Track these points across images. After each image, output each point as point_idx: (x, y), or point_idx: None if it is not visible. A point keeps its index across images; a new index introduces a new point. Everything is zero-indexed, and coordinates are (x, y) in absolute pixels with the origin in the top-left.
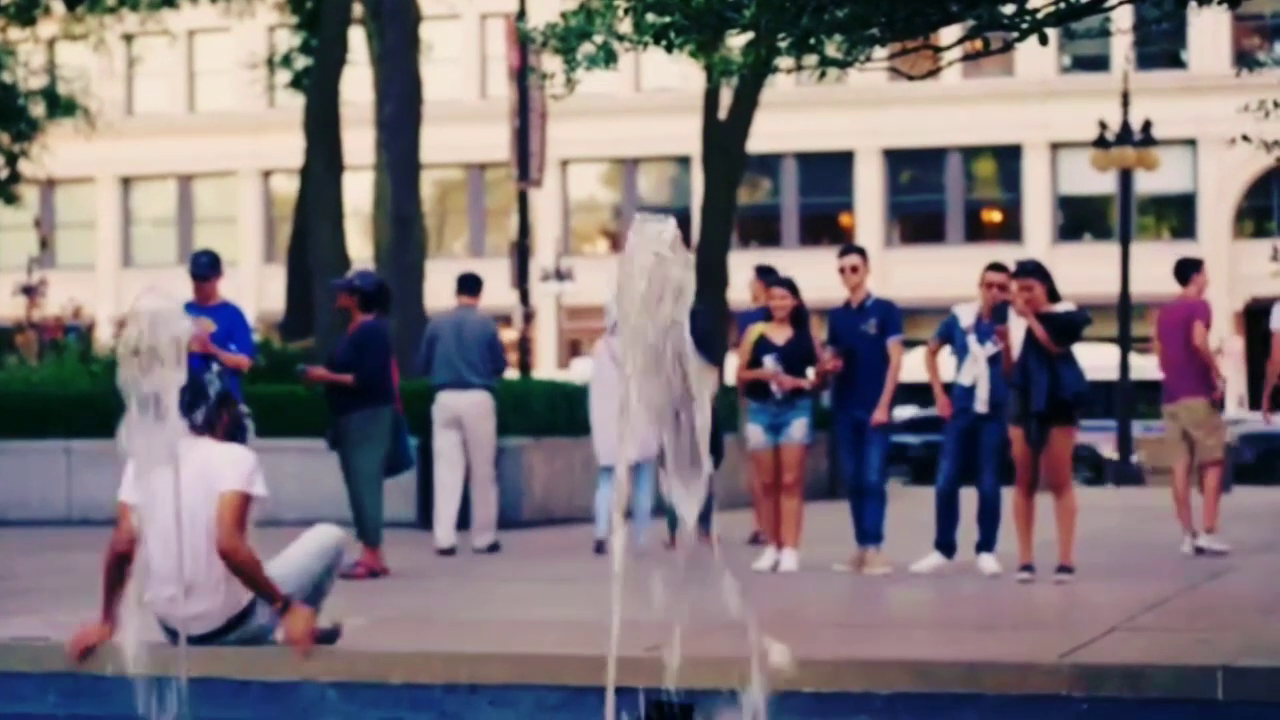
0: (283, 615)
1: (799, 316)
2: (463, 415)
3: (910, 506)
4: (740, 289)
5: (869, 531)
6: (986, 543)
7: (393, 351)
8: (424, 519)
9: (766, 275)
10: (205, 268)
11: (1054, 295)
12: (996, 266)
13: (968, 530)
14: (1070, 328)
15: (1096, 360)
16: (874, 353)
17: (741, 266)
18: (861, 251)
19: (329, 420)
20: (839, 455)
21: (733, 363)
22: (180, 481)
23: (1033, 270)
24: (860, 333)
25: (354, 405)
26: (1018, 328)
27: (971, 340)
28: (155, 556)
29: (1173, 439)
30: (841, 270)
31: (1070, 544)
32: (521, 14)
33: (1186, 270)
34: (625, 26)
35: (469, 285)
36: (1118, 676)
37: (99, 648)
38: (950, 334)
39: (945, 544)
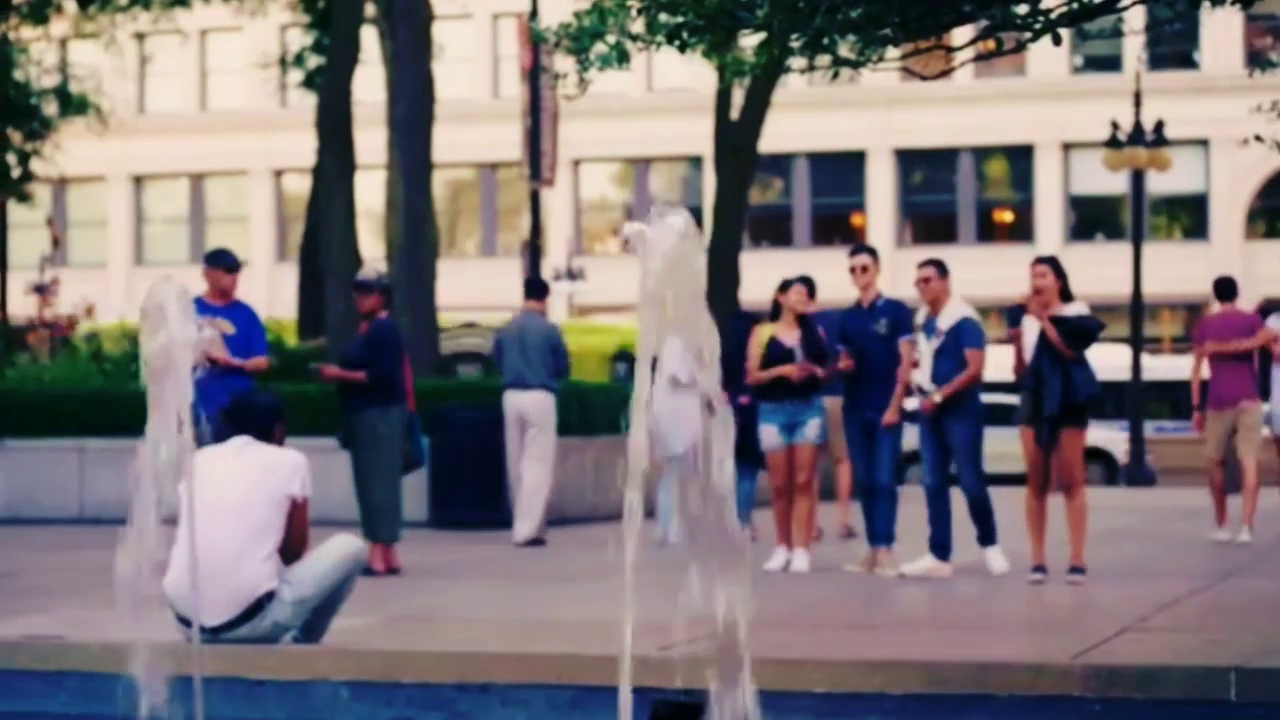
0: None
1: (805, 316)
2: (526, 414)
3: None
4: (751, 289)
5: (880, 532)
6: (986, 536)
7: (405, 350)
8: (435, 518)
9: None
10: (235, 260)
11: (1067, 295)
12: (925, 263)
13: (965, 531)
14: (1085, 334)
15: (1109, 360)
16: (884, 353)
17: (753, 266)
18: (872, 251)
19: (341, 419)
20: (850, 456)
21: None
22: (230, 477)
23: (1048, 260)
24: (871, 333)
25: (366, 403)
26: (1031, 330)
27: (920, 337)
28: (179, 545)
29: (1219, 439)
30: (852, 270)
31: (1082, 545)
32: (534, 14)
33: (1234, 286)
34: (638, 26)
35: (534, 289)
36: (1130, 677)
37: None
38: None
39: (939, 545)
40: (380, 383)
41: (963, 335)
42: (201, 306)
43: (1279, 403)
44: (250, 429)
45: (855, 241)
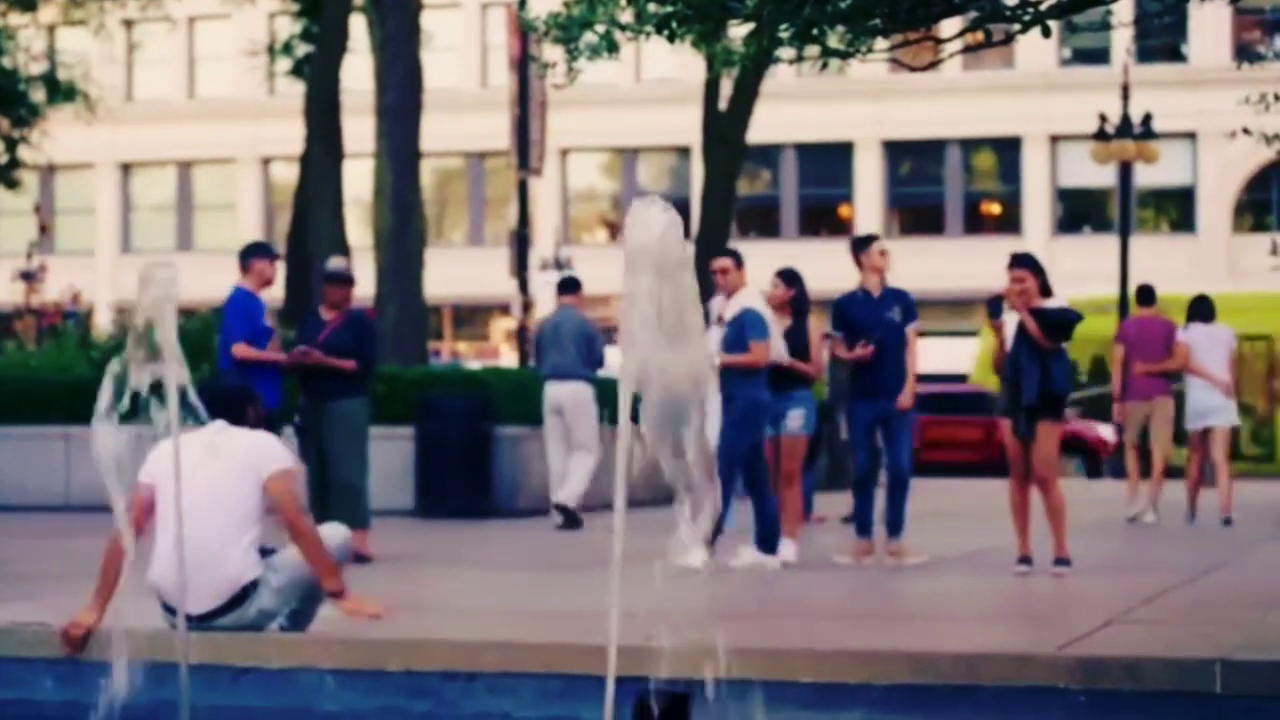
0: (338, 598)
1: (799, 307)
2: (563, 403)
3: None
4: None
5: (891, 521)
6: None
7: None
8: (421, 506)
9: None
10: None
11: (1046, 290)
12: (723, 254)
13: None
14: (1064, 326)
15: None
16: (898, 341)
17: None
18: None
19: (307, 406)
20: (854, 445)
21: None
22: (206, 464)
23: (1025, 262)
24: (886, 321)
25: (352, 392)
26: (1012, 322)
27: (713, 330)
28: (162, 535)
29: (1138, 428)
30: (879, 255)
31: (1064, 537)
32: (523, 3)
33: (1153, 293)
34: (627, 16)
35: (568, 286)
36: (1116, 669)
37: (91, 636)
38: None
39: (762, 539)
40: (367, 372)
41: (745, 326)
42: (254, 300)
43: (1196, 402)
44: (223, 413)
45: (843, 232)
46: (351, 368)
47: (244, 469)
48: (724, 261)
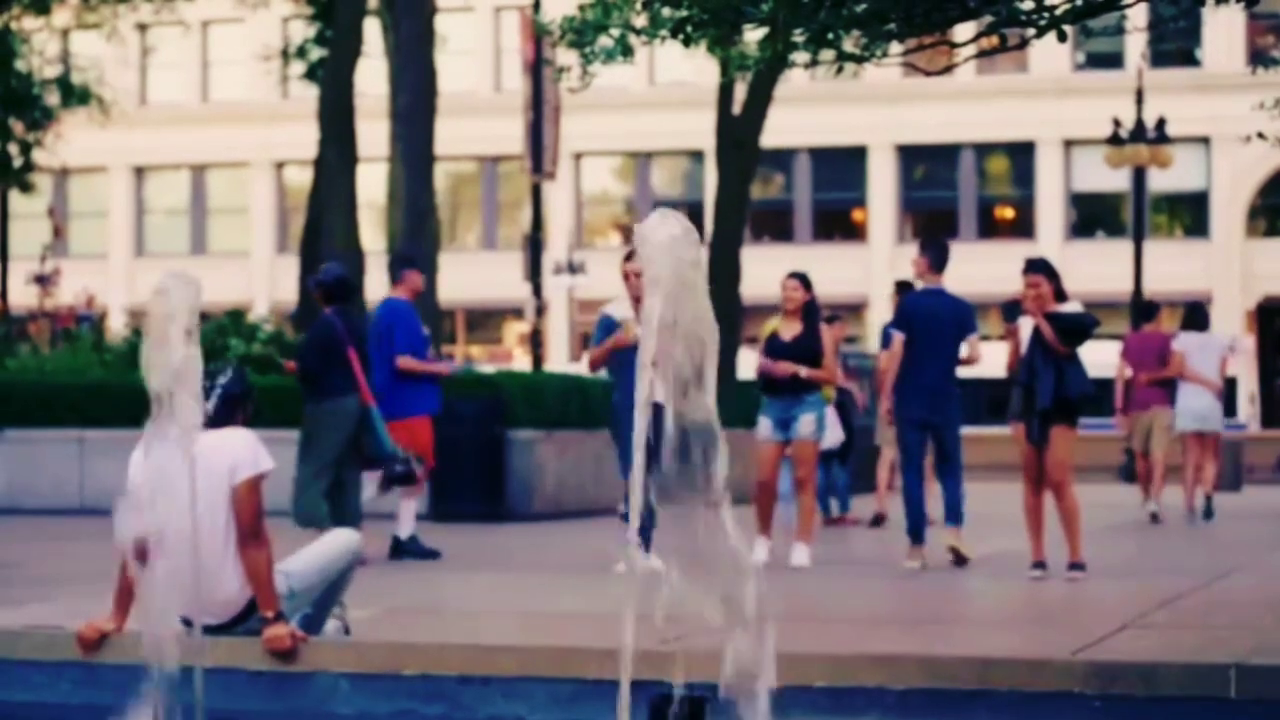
0: (267, 625)
1: (810, 312)
2: None
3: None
4: (752, 284)
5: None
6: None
7: (345, 345)
8: (436, 510)
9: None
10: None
11: (1061, 294)
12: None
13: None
14: (1079, 330)
15: (1110, 357)
16: None
17: (754, 261)
18: None
19: None
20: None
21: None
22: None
23: (1040, 267)
24: None
25: (308, 396)
26: (1027, 326)
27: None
28: (169, 549)
29: (1141, 437)
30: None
31: (1079, 541)
32: (537, 6)
33: (1155, 309)
34: (641, 20)
35: None
36: (1130, 674)
37: (109, 639)
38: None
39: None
40: (307, 378)
41: None
42: (413, 310)
43: (1185, 407)
44: (210, 418)
45: (856, 237)
46: (292, 371)
47: (224, 480)
48: (634, 265)
